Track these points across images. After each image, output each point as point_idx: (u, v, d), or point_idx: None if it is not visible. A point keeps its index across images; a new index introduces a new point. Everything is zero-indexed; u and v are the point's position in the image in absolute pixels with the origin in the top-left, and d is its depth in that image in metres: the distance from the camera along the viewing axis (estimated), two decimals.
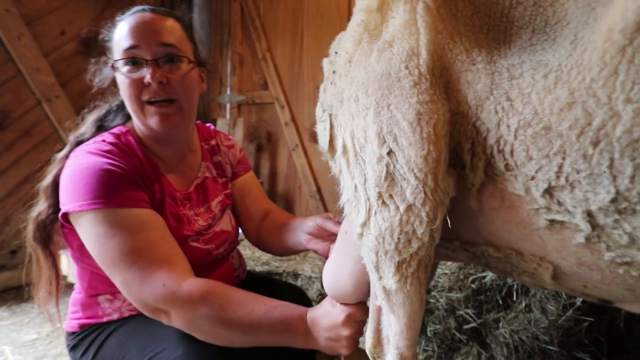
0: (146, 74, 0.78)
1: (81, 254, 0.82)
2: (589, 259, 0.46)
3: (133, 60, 0.79)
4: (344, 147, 0.57)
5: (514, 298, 1.37)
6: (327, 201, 2.78)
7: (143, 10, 0.82)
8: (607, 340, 1.29)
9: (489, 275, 1.41)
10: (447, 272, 1.49)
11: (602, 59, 0.39)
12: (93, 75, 0.90)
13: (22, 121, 2.28)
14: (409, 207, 0.51)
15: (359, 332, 0.71)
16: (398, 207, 0.52)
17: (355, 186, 0.56)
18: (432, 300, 1.44)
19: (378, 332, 0.67)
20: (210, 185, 0.98)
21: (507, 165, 0.46)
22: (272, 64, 2.92)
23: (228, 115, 3.11)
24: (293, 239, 0.98)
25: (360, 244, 0.58)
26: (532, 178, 0.44)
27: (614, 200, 0.40)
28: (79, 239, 0.78)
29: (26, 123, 2.30)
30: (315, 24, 2.73)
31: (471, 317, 1.40)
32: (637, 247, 0.41)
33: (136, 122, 0.86)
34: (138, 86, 0.79)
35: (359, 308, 0.71)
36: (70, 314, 0.89)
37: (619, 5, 0.38)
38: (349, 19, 0.62)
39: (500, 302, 1.40)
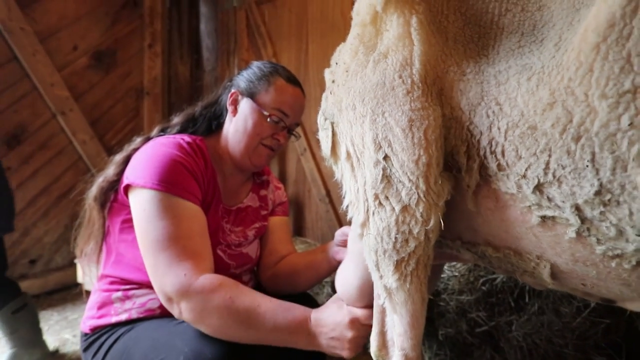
0: (280, 133, 1.00)
1: (120, 230, 0.90)
2: (582, 254, 0.46)
3: (279, 119, 0.98)
4: (348, 153, 0.61)
5: (526, 300, 1.34)
6: (336, 205, 2.78)
7: (299, 86, 1.03)
8: (625, 342, 1.26)
9: (500, 277, 1.39)
10: (457, 274, 1.47)
11: (577, 58, 0.41)
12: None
13: (38, 135, 2.35)
14: (405, 208, 0.54)
15: (364, 336, 0.73)
16: (394, 207, 0.55)
17: (358, 189, 0.59)
18: (442, 304, 1.42)
19: (383, 334, 0.68)
20: (250, 213, 1.06)
21: (499, 165, 0.49)
22: None
23: None
24: (322, 262, 1.02)
25: (362, 244, 0.60)
26: (523, 176, 0.46)
27: (598, 193, 0.41)
28: (125, 215, 0.87)
29: (42, 136, 2.37)
30: (320, 29, 2.76)
31: (483, 320, 1.38)
32: (625, 239, 0.41)
33: (233, 145, 0.99)
34: (267, 132, 0.98)
35: (365, 312, 0.73)
36: (85, 315, 0.94)
37: (595, 6, 0.39)
38: None
39: (512, 304, 1.37)
